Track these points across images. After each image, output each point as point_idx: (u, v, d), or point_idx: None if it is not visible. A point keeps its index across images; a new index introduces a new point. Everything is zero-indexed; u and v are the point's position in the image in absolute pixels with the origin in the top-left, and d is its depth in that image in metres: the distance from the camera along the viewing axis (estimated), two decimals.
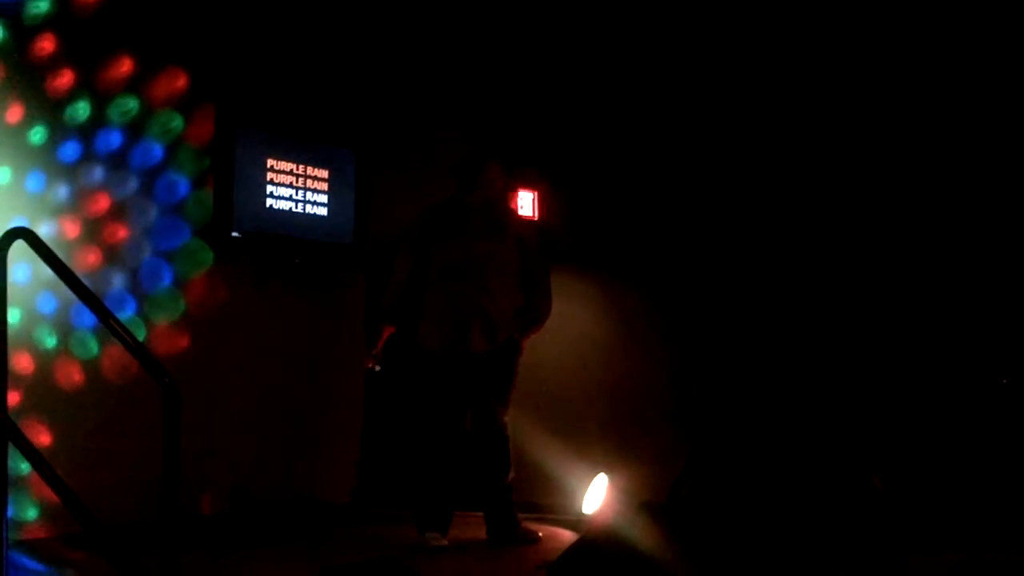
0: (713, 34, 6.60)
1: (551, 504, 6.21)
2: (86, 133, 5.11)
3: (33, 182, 4.92)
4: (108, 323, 3.69)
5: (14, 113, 4.84)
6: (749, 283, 6.62)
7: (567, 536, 5.39)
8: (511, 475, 5.36)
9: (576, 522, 5.71)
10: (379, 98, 6.49)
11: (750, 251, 6.66)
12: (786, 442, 5.84)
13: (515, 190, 7.12)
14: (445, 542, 5.08)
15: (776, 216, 6.56)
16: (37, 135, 4.93)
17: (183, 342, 5.27)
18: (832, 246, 6.39)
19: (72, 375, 4.94)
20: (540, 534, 5.42)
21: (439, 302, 5.25)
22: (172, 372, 3.34)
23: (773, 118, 6.52)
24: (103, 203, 5.16)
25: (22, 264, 4.48)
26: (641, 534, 3.95)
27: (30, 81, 4.91)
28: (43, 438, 4.70)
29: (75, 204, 5.06)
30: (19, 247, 3.92)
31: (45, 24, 4.95)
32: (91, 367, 4.99)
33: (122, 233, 5.23)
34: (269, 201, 5.77)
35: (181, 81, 5.48)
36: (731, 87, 6.63)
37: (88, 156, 5.12)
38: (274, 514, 5.62)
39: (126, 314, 5.09)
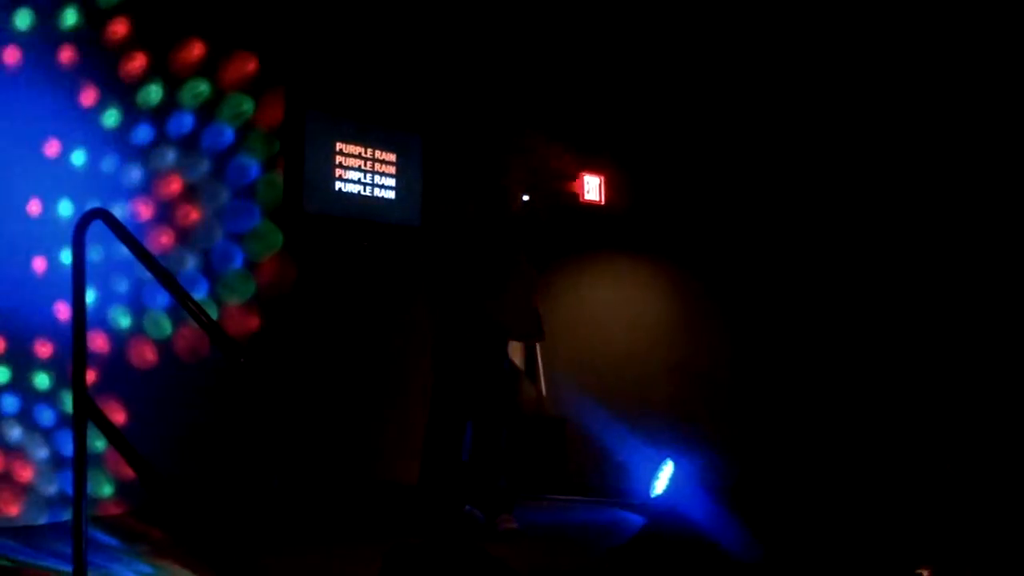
0: (782, 33, 6.53)
1: (619, 488, 6.19)
2: (159, 116, 5.17)
3: (108, 164, 4.99)
4: (184, 303, 3.71)
5: (88, 96, 4.91)
6: (806, 272, 6.56)
7: (635, 520, 5.37)
8: None
9: (644, 506, 5.68)
10: (446, 85, 6.48)
11: (805, 241, 6.60)
12: (843, 430, 5.78)
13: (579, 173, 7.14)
14: (515, 524, 5.07)
15: (832, 209, 6.49)
16: (111, 118, 5.00)
17: (255, 322, 5.31)
18: (889, 238, 6.30)
19: (147, 354, 5.00)
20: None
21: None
22: (244, 351, 3.36)
23: (834, 113, 6.45)
24: (175, 185, 5.22)
25: (97, 244, 4.55)
26: (707, 519, 3.93)
27: (104, 65, 4.97)
28: (119, 416, 4.76)
29: (148, 186, 5.12)
30: (94, 227, 3.98)
31: (118, 8, 5.01)
32: (166, 347, 5.05)
33: (194, 215, 5.28)
34: (338, 184, 5.80)
35: (251, 65, 5.52)
36: (786, 85, 6.59)
37: (161, 139, 5.17)
38: (342, 492, 5.66)
39: (199, 294, 5.14)
